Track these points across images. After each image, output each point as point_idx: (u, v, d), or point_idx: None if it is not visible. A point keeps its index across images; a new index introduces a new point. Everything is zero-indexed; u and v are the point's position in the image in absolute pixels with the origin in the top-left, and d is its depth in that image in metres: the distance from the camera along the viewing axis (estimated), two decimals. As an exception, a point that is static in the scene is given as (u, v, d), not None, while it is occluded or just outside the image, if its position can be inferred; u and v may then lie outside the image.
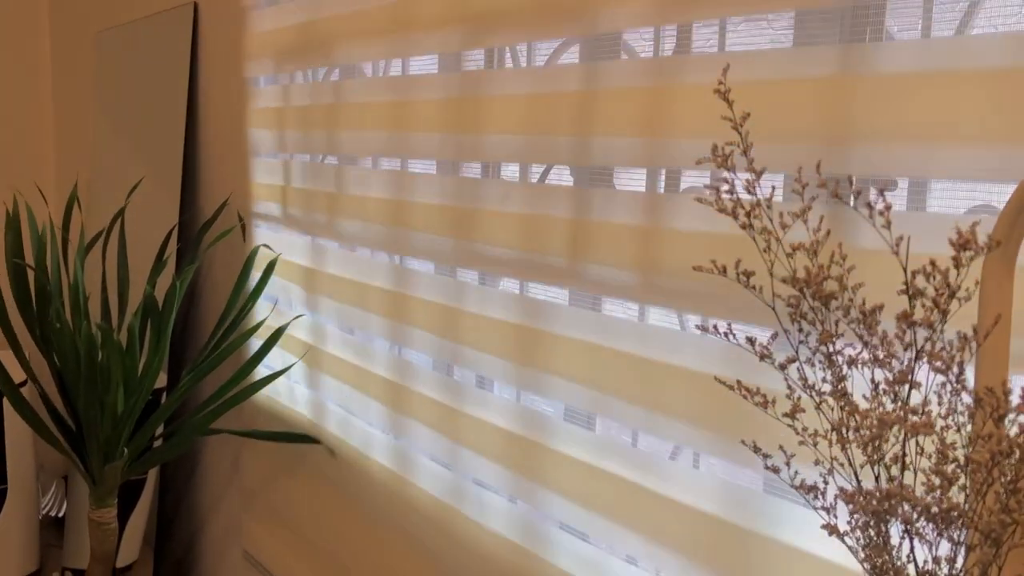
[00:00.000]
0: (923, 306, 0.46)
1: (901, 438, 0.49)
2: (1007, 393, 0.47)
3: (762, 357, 0.50)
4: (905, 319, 0.45)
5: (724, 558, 0.84)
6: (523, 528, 1.10)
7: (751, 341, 0.50)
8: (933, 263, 0.43)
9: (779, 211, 0.53)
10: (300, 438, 1.55)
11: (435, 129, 1.21)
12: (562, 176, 1.16)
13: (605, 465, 0.98)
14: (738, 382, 0.48)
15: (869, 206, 0.44)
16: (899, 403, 0.47)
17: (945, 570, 0.49)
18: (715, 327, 0.49)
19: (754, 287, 0.49)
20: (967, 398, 0.48)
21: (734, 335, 0.50)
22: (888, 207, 0.44)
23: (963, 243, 0.43)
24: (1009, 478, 0.47)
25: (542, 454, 1.06)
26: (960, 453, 0.47)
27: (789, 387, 0.51)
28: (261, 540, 1.75)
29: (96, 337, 1.51)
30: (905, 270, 0.44)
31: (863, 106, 0.70)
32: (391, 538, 1.36)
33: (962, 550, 0.48)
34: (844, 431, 0.49)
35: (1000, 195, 0.72)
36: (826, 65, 0.73)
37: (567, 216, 1.01)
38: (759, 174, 0.51)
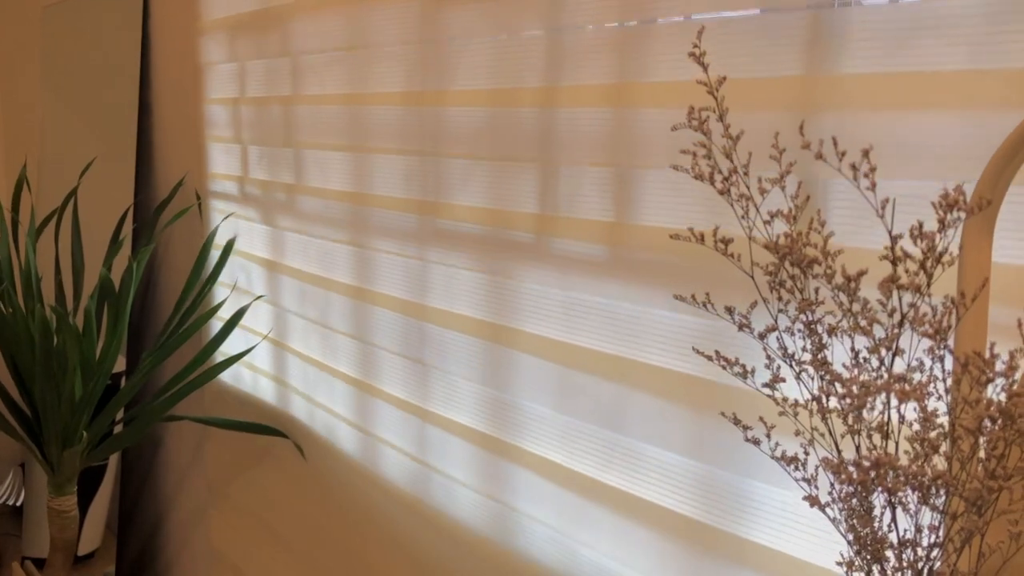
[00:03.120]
0: (906, 271, 0.45)
1: (885, 406, 0.48)
2: (993, 358, 0.46)
3: (741, 327, 0.49)
4: (891, 282, 0.44)
5: (698, 551, 0.84)
6: (492, 510, 1.09)
7: (730, 311, 0.48)
8: (920, 225, 0.42)
9: (757, 177, 0.52)
10: (264, 430, 1.51)
11: (397, 99, 1.18)
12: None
13: (575, 447, 0.96)
14: (716, 352, 0.47)
15: (854, 167, 0.43)
16: (882, 370, 0.46)
17: (928, 539, 0.48)
18: (692, 297, 0.48)
19: (732, 255, 0.48)
20: (950, 364, 0.47)
21: (712, 305, 0.48)
22: (873, 168, 0.43)
23: (950, 204, 0.41)
24: (993, 444, 0.46)
25: (511, 439, 1.05)
26: (944, 420, 0.46)
27: (769, 357, 0.50)
28: (225, 524, 1.72)
29: (51, 321, 1.46)
30: (890, 233, 0.43)
31: (832, 82, 0.69)
32: (358, 521, 1.34)
33: (945, 519, 0.48)
34: (825, 400, 0.48)
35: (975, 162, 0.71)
36: (795, 38, 0.71)
37: (534, 196, 0.99)
38: (736, 139, 0.49)
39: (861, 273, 0.44)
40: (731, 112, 0.71)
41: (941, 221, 0.42)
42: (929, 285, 0.42)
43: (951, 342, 0.47)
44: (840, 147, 0.71)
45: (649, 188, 0.86)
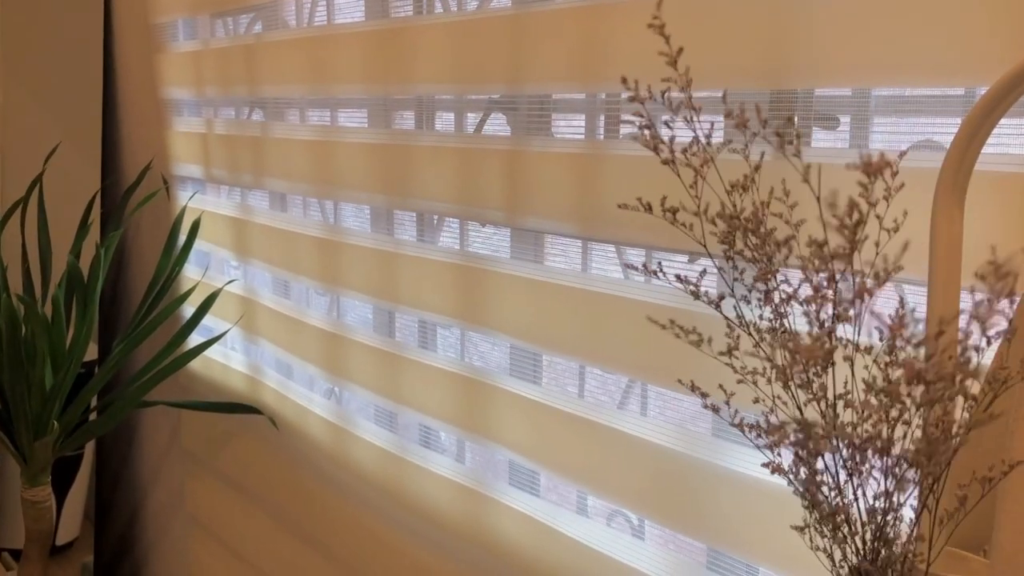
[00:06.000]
0: (843, 235, 0.45)
1: (835, 372, 0.47)
2: (903, 322, 0.45)
3: (696, 296, 0.48)
4: (817, 246, 0.43)
5: (672, 503, 0.83)
6: (469, 483, 1.09)
7: (680, 279, 0.48)
8: (836, 191, 0.42)
9: (705, 146, 0.51)
10: (239, 408, 1.50)
11: (362, 78, 1.16)
12: (498, 125, 1.13)
13: (551, 417, 0.96)
14: (671, 321, 0.46)
15: (778, 134, 0.42)
16: (819, 335, 0.46)
17: (883, 503, 0.48)
18: (644, 266, 0.47)
19: (684, 224, 0.47)
20: (880, 327, 0.47)
21: (663, 273, 0.47)
22: (798, 135, 0.42)
23: (872, 169, 0.41)
24: (937, 410, 0.46)
25: (488, 408, 1.04)
26: (901, 389, 0.46)
27: (729, 326, 0.49)
28: (205, 507, 1.71)
29: (18, 310, 1.44)
30: (819, 200, 0.42)
31: (804, 39, 0.68)
32: (337, 498, 1.33)
33: (894, 482, 0.47)
34: (785, 368, 0.48)
35: (943, 128, 0.71)
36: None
37: (504, 165, 0.97)
38: (694, 106, 0.48)
39: (819, 243, 0.44)
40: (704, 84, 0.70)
41: (864, 186, 0.41)
42: (853, 250, 0.42)
43: (876, 305, 0.46)
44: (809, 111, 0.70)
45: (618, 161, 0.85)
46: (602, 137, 0.96)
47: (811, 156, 0.70)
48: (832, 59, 0.67)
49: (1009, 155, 0.62)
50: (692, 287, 0.47)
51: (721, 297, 0.46)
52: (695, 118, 0.57)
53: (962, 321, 0.41)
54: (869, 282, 0.40)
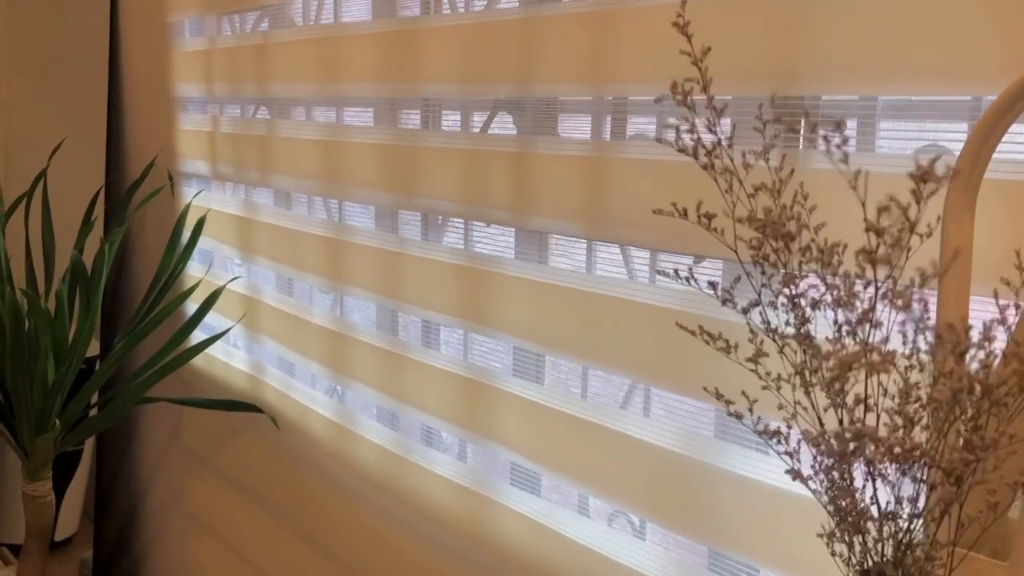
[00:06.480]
0: (885, 243, 0.45)
1: (863, 378, 0.48)
2: (967, 329, 0.46)
3: (724, 302, 0.48)
4: (865, 255, 0.44)
5: (674, 504, 0.84)
6: (471, 484, 1.09)
7: (713, 286, 0.48)
8: (892, 198, 0.42)
9: (741, 151, 0.52)
10: (240, 406, 1.50)
11: (369, 77, 1.16)
12: (504, 126, 1.13)
13: (554, 418, 0.96)
14: (700, 327, 0.47)
15: (826, 139, 0.42)
16: (860, 343, 0.47)
17: (908, 510, 0.49)
18: (676, 272, 0.48)
19: (715, 229, 0.48)
20: (929, 336, 0.47)
21: (695, 280, 0.48)
22: (845, 140, 0.43)
23: (923, 175, 0.41)
24: (970, 415, 0.46)
25: (490, 409, 1.04)
26: (923, 392, 0.46)
27: (752, 332, 0.50)
28: (205, 505, 1.71)
29: (22, 304, 1.44)
30: (863, 204, 0.43)
31: (813, 44, 0.69)
32: (338, 497, 1.33)
33: (924, 489, 0.48)
34: (807, 374, 0.48)
35: (950, 134, 0.72)
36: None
37: (510, 165, 0.98)
38: (720, 111, 0.49)
39: (837, 245, 0.44)
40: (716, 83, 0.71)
41: (914, 192, 0.42)
42: (903, 256, 0.42)
43: (931, 315, 0.47)
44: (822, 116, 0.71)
45: (630, 164, 0.85)
46: (608, 138, 0.97)
47: (819, 160, 0.70)
48: (839, 65, 0.67)
49: (1017, 161, 0.63)
50: (726, 293, 0.47)
51: (755, 304, 0.47)
52: (716, 120, 0.57)
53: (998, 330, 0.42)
54: (916, 289, 0.41)
